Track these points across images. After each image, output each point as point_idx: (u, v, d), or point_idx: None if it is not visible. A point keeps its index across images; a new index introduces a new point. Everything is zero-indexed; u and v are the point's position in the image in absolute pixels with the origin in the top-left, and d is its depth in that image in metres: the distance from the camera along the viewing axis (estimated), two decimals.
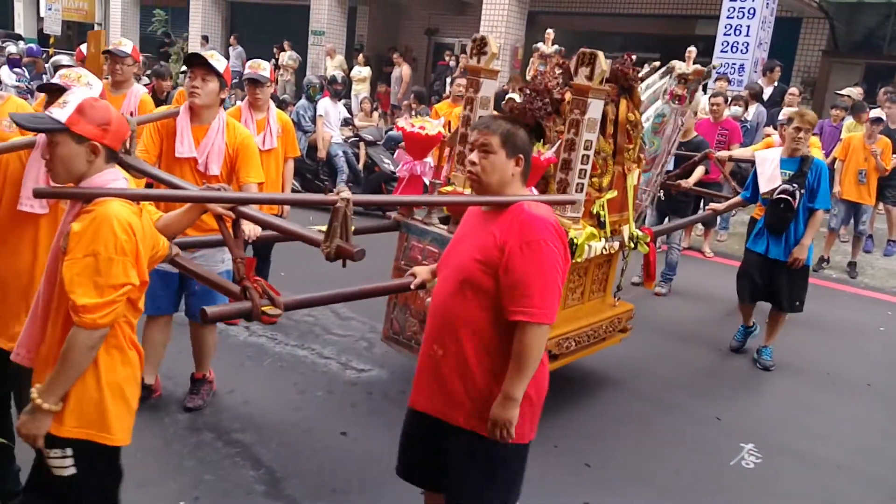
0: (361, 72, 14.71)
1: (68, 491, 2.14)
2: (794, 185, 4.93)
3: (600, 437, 3.92)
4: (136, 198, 2.19)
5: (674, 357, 5.31)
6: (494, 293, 2.28)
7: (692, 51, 9.91)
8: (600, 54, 3.55)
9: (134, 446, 2.30)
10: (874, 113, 7.56)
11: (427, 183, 4.19)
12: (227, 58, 15.57)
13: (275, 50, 16.29)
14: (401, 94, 14.87)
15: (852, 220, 8.04)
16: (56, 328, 2.13)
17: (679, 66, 4.66)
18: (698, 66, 4.97)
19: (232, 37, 17.20)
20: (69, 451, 2.09)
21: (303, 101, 9.25)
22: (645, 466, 3.77)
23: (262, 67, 4.88)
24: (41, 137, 2.36)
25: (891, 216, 8.65)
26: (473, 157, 2.40)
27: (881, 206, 8.28)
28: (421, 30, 18.29)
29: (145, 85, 5.78)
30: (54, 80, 2.77)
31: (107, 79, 4.85)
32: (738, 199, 5.61)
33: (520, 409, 2.26)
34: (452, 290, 2.36)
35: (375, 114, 12.36)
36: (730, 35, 10.94)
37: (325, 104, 8.94)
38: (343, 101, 10.33)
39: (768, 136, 8.50)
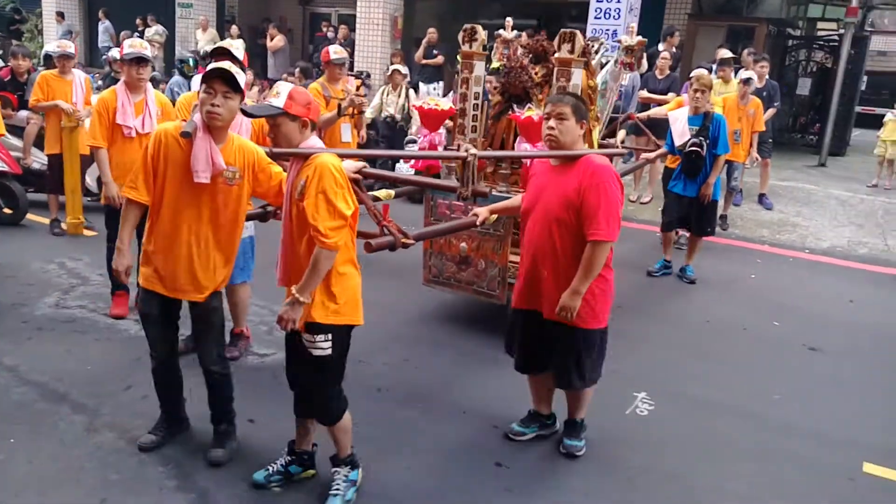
0: (234, 45, 14.11)
1: (323, 364, 2.92)
2: (701, 137, 6.08)
3: (505, 398, 4.03)
4: (340, 154, 2.98)
5: None
6: (577, 224, 3.17)
7: (509, 21, 10.14)
8: (578, 33, 4.50)
9: (28, 454, 2.19)
10: (744, 74, 8.02)
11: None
12: (96, 35, 14.65)
13: (138, 23, 15.37)
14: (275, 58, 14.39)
15: (724, 176, 8.56)
16: (298, 250, 2.85)
17: (625, 40, 5.72)
18: (640, 38, 6.42)
19: (101, 11, 16.01)
20: (330, 336, 2.87)
21: (177, 78, 8.85)
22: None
23: (144, 46, 4.64)
24: (198, 119, 2.97)
25: (765, 171, 9.30)
26: (552, 122, 3.26)
27: (749, 163, 8.85)
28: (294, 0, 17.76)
29: (1, 69, 5.32)
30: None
31: None
32: (663, 149, 6.56)
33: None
34: (547, 227, 3.25)
35: (255, 88, 11.96)
36: (602, 2, 11.25)
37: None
38: None
39: (645, 100, 8.99)
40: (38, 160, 7.08)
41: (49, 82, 6.29)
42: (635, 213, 8.96)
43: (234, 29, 14.47)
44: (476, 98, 5.15)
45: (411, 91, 10.31)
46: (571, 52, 4.52)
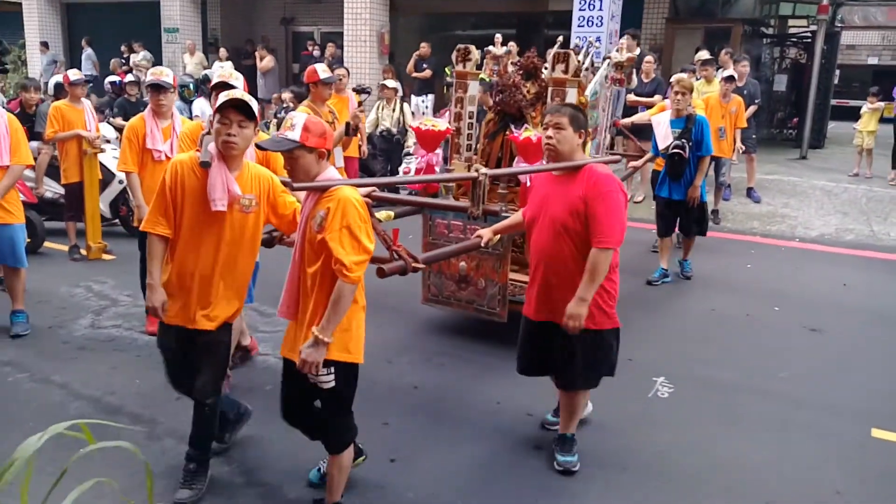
0: (224, 67, 14.34)
1: (330, 396, 2.90)
2: (683, 140, 6.10)
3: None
4: (356, 185, 2.98)
5: None
6: (584, 233, 3.25)
7: (498, 37, 10.36)
8: (572, 53, 4.63)
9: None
10: (727, 72, 8.36)
11: (438, 171, 5.18)
12: (78, 62, 14.78)
13: (123, 50, 15.52)
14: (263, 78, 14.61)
15: (713, 173, 8.89)
16: (307, 283, 2.83)
17: (615, 56, 5.58)
18: (631, 54, 6.27)
19: (84, 39, 16.15)
20: (332, 369, 2.81)
21: (178, 104, 9.02)
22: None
23: (165, 73, 4.84)
24: (212, 148, 3.02)
25: (751, 166, 9.66)
26: (550, 132, 3.34)
27: (735, 157, 9.18)
28: (276, 19, 17.95)
29: (10, 101, 5.46)
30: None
31: None
32: (650, 154, 6.62)
33: (612, 302, 3.38)
34: (553, 235, 3.31)
35: None
36: (584, 10, 11.55)
37: (201, 105, 8.80)
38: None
39: (632, 103, 9.29)
40: (49, 189, 7.25)
41: (63, 113, 6.48)
42: (630, 212, 9.24)
43: (223, 52, 14.69)
44: (471, 117, 5.20)
45: (405, 104, 10.59)
46: (566, 71, 4.61)
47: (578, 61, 4.84)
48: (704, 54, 9.75)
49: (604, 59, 5.81)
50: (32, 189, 7.16)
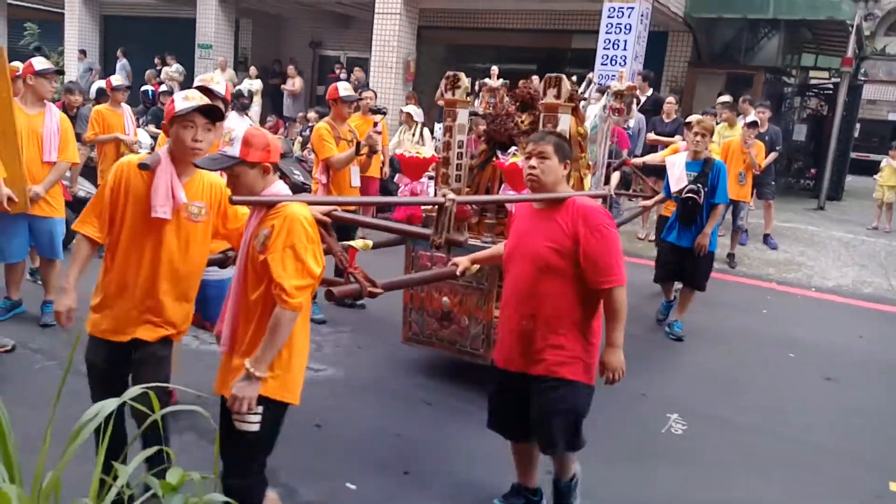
0: (253, 85, 14.63)
1: (242, 441, 2.54)
2: (699, 184, 5.68)
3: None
4: (308, 202, 2.73)
5: None
6: (568, 272, 2.92)
7: (495, 70, 10.22)
8: (564, 77, 4.28)
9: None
10: (751, 117, 8.43)
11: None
12: (113, 72, 15.10)
13: (157, 62, 15.84)
14: (296, 107, 14.85)
15: (730, 216, 8.91)
16: (247, 308, 2.56)
17: (615, 85, 5.44)
18: (631, 83, 5.88)
19: (119, 50, 16.52)
20: (260, 409, 2.50)
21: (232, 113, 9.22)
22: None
23: (216, 81, 4.93)
24: (163, 152, 2.85)
25: (768, 212, 9.68)
26: (533, 162, 3.01)
27: (752, 202, 9.21)
28: (305, 42, 18.32)
29: (54, 101, 5.70)
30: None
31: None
32: (661, 195, 6.27)
33: (593, 355, 3.02)
34: (533, 274, 2.96)
35: (268, 123, 12.51)
36: (609, 49, 11.74)
37: (232, 118, 8.92)
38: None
39: (653, 142, 9.37)
40: (83, 189, 7.37)
41: (104, 116, 6.69)
42: (644, 250, 9.27)
43: (253, 70, 15.01)
44: (460, 147, 4.94)
45: (426, 130, 10.73)
46: (557, 97, 4.29)
47: (574, 89, 4.62)
48: (726, 97, 9.83)
49: (601, 91, 5.71)
50: (67, 188, 7.29)
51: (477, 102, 5.35)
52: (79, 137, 7.02)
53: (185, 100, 2.83)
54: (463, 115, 4.94)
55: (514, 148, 4.59)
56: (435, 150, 5.51)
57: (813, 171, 14.62)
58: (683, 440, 4.33)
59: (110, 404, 1.31)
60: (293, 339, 2.55)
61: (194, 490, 1.41)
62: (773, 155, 9.39)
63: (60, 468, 1.26)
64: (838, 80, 13.33)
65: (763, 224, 9.93)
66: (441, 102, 4.97)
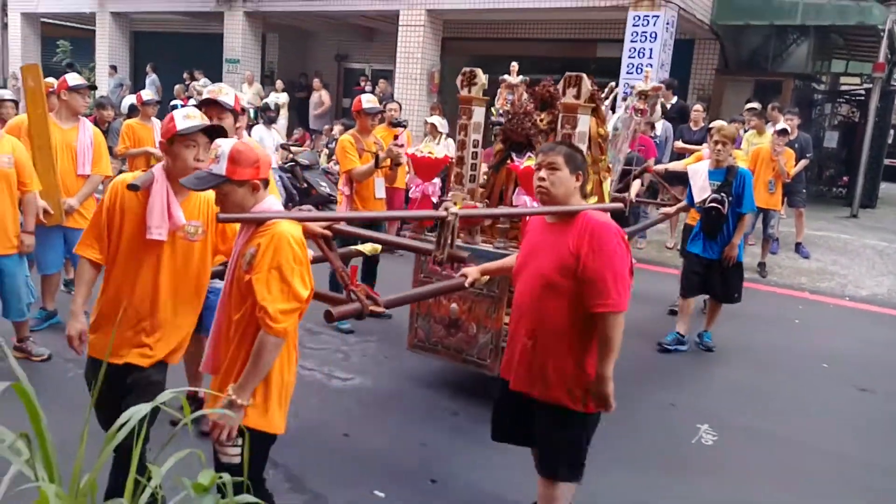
0: (280, 98, 14.82)
1: (234, 474, 2.28)
2: (722, 193, 5.52)
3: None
4: (296, 219, 2.55)
5: (621, 353, 5.69)
6: (572, 292, 2.74)
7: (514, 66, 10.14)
8: (584, 77, 4.09)
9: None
10: (780, 125, 8.34)
11: (435, 202, 4.69)
12: (142, 87, 15.41)
13: (185, 77, 16.11)
14: (322, 119, 15.01)
15: (760, 225, 8.80)
16: (238, 336, 2.42)
17: (639, 85, 5.28)
18: (656, 83, 5.71)
19: (148, 65, 16.85)
20: (239, 441, 2.37)
21: (259, 126, 9.39)
22: (617, 448, 4.07)
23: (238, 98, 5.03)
24: (157, 172, 2.77)
25: (799, 220, 9.55)
26: (543, 173, 2.86)
27: (783, 211, 9.10)
28: (330, 55, 18.51)
29: (86, 116, 5.85)
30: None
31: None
32: (684, 203, 6.10)
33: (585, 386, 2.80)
34: (536, 292, 2.82)
35: (295, 135, 12.70)
36: (634, 58, 11.71)
37: (259, 131, 9.08)
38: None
39: (680, 150, 9.30)
40: None
41: (134, 130, 6.85)
42: (672, 259, 9.18)
43: (279, 83, 15.23)
44: (475, 146, 4.76)
45: (449, 140, 10.77)
46: (577, 97, 4.13)
47: (595, 89, 4.44)
48: (754, 104, 9.74)
49: (613, 96, 5.41)
50: (100, 200, 7.46)
51: (495, 100, 5.14)
52: (110, 151, 7.20)
53: (187, 118, 2.76)
54: (479, 113, 4.74)
55: (529, 153, 4.41)
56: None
57: (845, 178, 14.39)
58: (714, 451, 4.27)
59: (143, 408, 1.32)
60: (278, 365, 2.42)
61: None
62: (803, 162, 9.26)
63: (97, 469, 1.28)
64: (870, 85, 13.11)
65: (794, 233, 9.79)
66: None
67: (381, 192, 5.85)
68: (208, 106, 3.46)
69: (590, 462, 3.86)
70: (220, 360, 2.51)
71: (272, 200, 2.54)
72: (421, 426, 4.18)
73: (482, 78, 4.64)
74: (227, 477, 1.40)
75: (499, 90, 5.10)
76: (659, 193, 8.61)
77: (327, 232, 2.80)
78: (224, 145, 2.42)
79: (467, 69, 4.69)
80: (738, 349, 6.13)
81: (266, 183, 2.50)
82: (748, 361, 5.86)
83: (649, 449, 4.17)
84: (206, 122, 2.82)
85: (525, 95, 4.75)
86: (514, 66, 4.96)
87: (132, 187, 2.74)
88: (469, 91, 4.67)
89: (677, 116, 10.69)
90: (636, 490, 3.71)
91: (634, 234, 6.66)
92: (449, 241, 3.05)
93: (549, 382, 2.81)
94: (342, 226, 3.22)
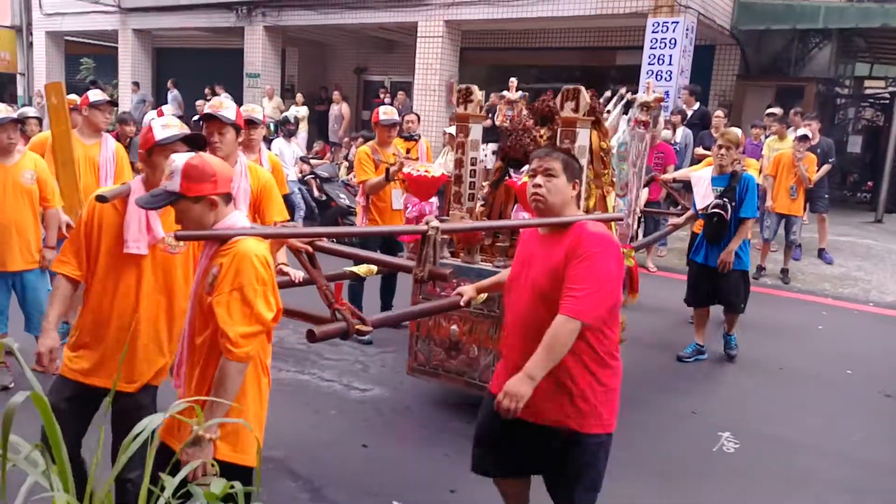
0: (300, 111, 14.96)
1: None
2: (725, 199, 5.40)
3: None
4: (262, 236, 2.42)
5: (642, 363, 5.65)
6: None
7: (513, 81, 10.01)
8: (582, 89, 3.99)
9: None
10: (801, 131, 8.26)
11: None
12: (164, 102, 15.66)
13: (206, 92, 16.31)
14: (341, 132, 15.13)
15: (783, 231, 8.71)
16: (202, 360, 2.30)
17: (641, 97, 5.16)
18: (658, 94, 5.48)
19: (169, 81, 17.11)
20: (211, 478, 2.13)
21: (279, 139, 9.51)
22: (639, 455, 4.07)
23: (256, 110, 5.07)
24: (135, 184, 2.70)
25: (822, 226, 9.43)
26: (538, 180, 2.67)
27: (806, 216, 9.00)
28: (349, 68, 18.66)
29: (108, 132, 5.93)
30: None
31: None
32: (691, 212, 5.96)
33: (608, 401, 2.62)
34: (531, 306, 2.62)
35: (314, 147, 12.81)
36: (653, 64, 11.67)
37: (279, 144, 9.18)
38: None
39: (701, 156, 9.22)
40: None
41: None
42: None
43: (299, 97, 15.39)
44: (473, 164, 4.65)
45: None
46: (575, 110, 4.01)
47: (599, 103, 4.37)
48: (775, 109, 9.66)
49: (626, 102, 5.28)
50: None
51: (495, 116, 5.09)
52: (132, 166, 7.30)
53: (165, 128, 2.69)
54: (476, 131, 4.64)
55: (527, 167, 4.40)
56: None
57: (870, 183, 14.21)
58: (736, 459, 4.22)
59: (156, 419, 1.34)
60: (243, 393, 2.28)
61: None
62: (825, 167, 9.17)
63: (112, 479, 1.30)
64: (895, 88, 12.95)
65: (817, 238, 9.68)
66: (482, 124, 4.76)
67: (397, 204, 5.84)
68: (209, 121, 3.45)
69: (611, 469, 3.88)
70: (191, 381, 2.36)
71: (238, 216, 2.42)
72: (440, 436, 4.19)
73: (478, 95, 4.57)
74: (238, 486, 1.42)
75: (498, 107, 5.00)
76: (678, 203, 8.56)
77: (308, 247, 2.71)
78: (178, 160, 2.30)
79: (462, 86, 4.62)
80: (761, 356, 6.06)
81: (229, 198, 2.39)
82: (771, 368, 5.79)
83: (671, 456, 4.14)
84: (186, 130, 2.74)
85: (524, 111, 4.69)
86: (513, 81, 4.90)
87: (100, 198, 2.67)
88: (465, 108, 4.58)
89: (699, 123, 10.63)
90: (657, 497, 3.68)
91: (641, 247, 6.59)
92: (431, 258, 2.88)
93: (555, 406, 2.58)
94: (324, 244, 3.09)
